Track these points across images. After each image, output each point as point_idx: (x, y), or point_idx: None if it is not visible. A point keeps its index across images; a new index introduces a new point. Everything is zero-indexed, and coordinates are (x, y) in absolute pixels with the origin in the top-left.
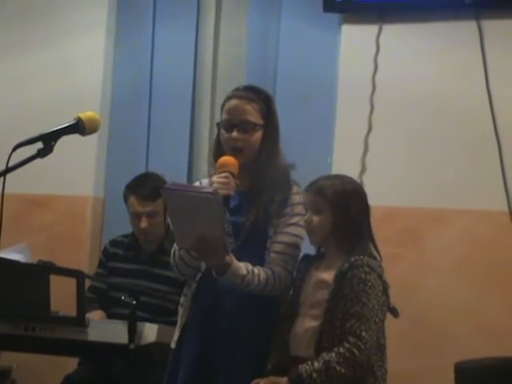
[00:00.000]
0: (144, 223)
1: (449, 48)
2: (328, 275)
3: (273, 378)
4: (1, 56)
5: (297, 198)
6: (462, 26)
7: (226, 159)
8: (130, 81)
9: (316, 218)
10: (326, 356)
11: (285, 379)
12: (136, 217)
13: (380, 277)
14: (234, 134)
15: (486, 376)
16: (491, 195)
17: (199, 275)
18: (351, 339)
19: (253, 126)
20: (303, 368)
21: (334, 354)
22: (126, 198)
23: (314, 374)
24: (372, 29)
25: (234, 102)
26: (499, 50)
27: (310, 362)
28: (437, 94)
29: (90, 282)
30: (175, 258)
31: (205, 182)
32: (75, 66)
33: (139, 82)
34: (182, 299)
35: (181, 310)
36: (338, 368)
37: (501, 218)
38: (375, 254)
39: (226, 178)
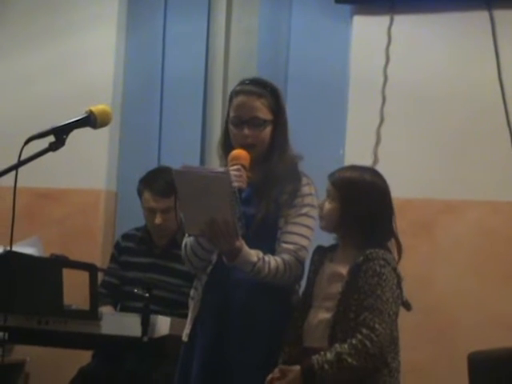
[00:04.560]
0: (159, 219)
1: (461, 38)
2: (343, 268)
3: (284, 367)
4: (12, 50)
5: (306, 189)
6: (474, 16)
7: (238, 152)
8: (141, 73)
9: (327, 205)
10: (338, 347)
11: (297, 367)
12: (151, 212)
13: (394, 270)
14: (245, 131)
15: (499, 367)
16: (504, 186)
17: (210, 268)
18: (364, 331)
19: (262, 123)
20: (315, 359)
21: (346, 346)
22: (140, 193)
23: (326, 366)
24: (384, 20)
25: (242, 98)
26: (511, 40)
27: (322, 353)
28: (449, 84)
29: (103, 277)
30: (186, 250)
31: None
32: (87, 59)
33: (151, 74)
34: (192, 292)
35: (191, 304)
36: (350, 360)
37: None
38: (391, 248)
39: (239, 170)
